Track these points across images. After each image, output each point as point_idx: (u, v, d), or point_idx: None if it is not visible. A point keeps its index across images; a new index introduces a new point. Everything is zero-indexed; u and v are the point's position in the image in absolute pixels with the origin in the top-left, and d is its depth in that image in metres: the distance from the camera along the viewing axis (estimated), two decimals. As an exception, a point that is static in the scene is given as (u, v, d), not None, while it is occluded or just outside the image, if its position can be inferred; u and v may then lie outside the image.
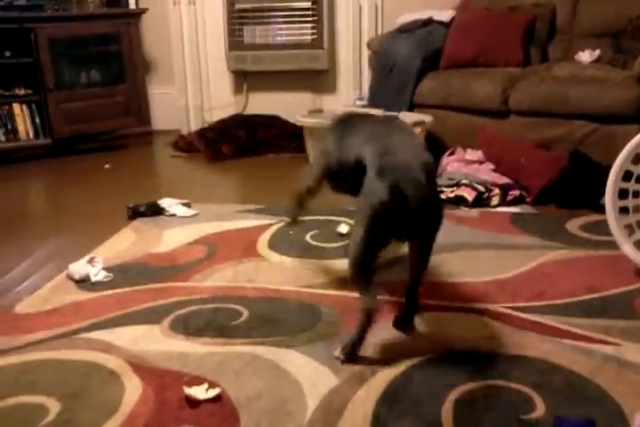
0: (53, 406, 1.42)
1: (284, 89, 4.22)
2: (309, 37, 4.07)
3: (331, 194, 3.05)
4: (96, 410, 1.41)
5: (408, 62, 3.44)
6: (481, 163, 3.01)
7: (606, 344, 1.61)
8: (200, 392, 1.44)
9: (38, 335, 1.73)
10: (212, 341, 1.68)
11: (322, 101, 4.19)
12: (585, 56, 3.27)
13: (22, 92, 3.72)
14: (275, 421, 1.35)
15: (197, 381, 1.48)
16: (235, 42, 4.12)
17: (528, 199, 2.72)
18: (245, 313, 1.82)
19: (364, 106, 3.73)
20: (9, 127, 3.70)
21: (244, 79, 4.26)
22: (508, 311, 1.79)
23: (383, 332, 1.67)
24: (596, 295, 1.87)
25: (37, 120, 3.74)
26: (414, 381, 1.48)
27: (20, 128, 3.72)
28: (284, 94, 4.21)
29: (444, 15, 3.65)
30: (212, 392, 1.44)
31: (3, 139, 3.69)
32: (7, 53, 3.61)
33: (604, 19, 3.35)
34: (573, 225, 2.45)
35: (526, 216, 2.58)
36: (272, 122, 3.94)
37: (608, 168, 2.00)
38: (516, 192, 2.74)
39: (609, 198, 1.98)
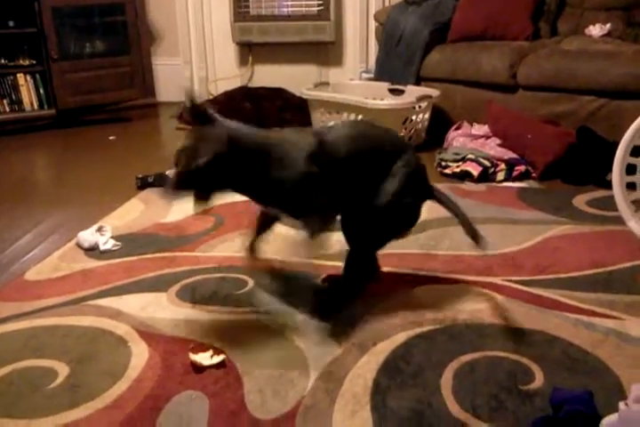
0: (62, 370, 1.45)
1: (290, 61, 4.19)
2: (316, 9, 4.02)
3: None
4: (103, 374, 1.43)
5: (415, 35, 3.40)
6: (487, 138, 3.00)
7: (609, 318, 1.61)
8: (205, 359, 1.46)
9: (47, 302, 1.75)
10: (218, 309, 1.70)
11: (328, 74, 4.16)
12: (595, 30, 3.23)
13: (26, 62, 3.70)
14: (277, 388, 1.38)
15: (203, 347, 1.50)
16: (240, 13, 4.08)
17: (534, 174, 2.72)
18: (250, 283, 1.84)
19: (370, 79, 3.70)
20: (13, 98, 3.69)
21: (250, 51, 4.23)
22: (512, 285, 1.80)
23: (384, 303, 1.68)
24: (600, 270, 1.88)
25: (42, 91, 3.73)
26: (415, 351, 1.50)
27: (25, 99, 3.71)
28: (289, 67, 4.18)
29: (454, -13, 3.59)
30: (217, 359, 1.46)
31: (7, 109, 3.69)
32: (11, 23, 3.58)
33: (615, -8, 3.29)
34: (580, 200, 2.45)
35: (533, 191, 2.57)
36: (277, 94, 3.92)
37: (616, 144, 1.99)
38: (522, 167, 2.73)
39: (616, 174, 1.98)
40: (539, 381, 1.38)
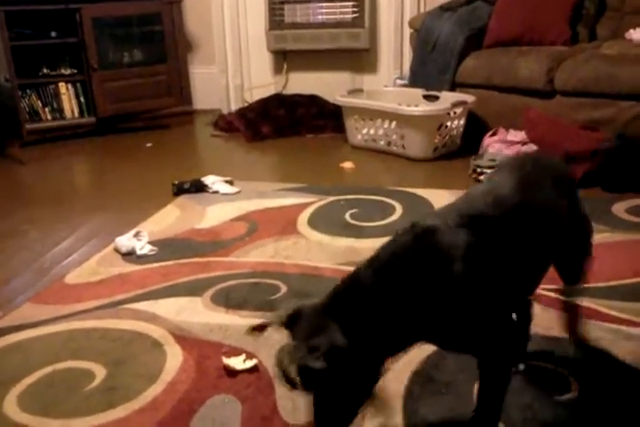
0: (99, 372, 1.48)
1: (324, 68, 4.20)
2: (350, 16, 4.03)
3: (370, 173, 3.07)
4: (139, 377, 1.46)
5: (450, 41, 3.38)
6: (524, 144, 2.95)
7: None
8: (238, 363, 1.48)
9: (85, 305, 1.80)
10: (251, 314, 1.71)
11: (362, 81, 4.16)
12: (636, 34, 3.15)
13: (68, 71, 3.80)
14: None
15: (236, 352, 1.52)
16: (275, 21, 4.11)
17: (572, 181, 2.66)
18: (284, 289, 1.85)
19: (404, 85, 3.69)
20: (55, 106, 3.78)
21: (284, 58, 4.26)
22: (549, 293, 1.77)
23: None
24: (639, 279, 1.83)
25: (82, 99, 3.82)
26: (448, 360, 1.48)
27: (66, 107, 3.80)
28: (323, 74, 4.19)
29: (490, -8, 3.57)
30: (250, 363, 1.47)
31: (49, 117, 3.78)
32: (53, 34, 3.67)
33: (657, -5, 3.22)
34: (619, 208, 2.39)
35: (570, 198, 2.52)
36: (311, 101, 3.94)
37: (657, 150, 1.95)
38: (560, 174, 2.68)
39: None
40: (574, 391, 1.35)
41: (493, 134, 3.11)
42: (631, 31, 3.18)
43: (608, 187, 2.60)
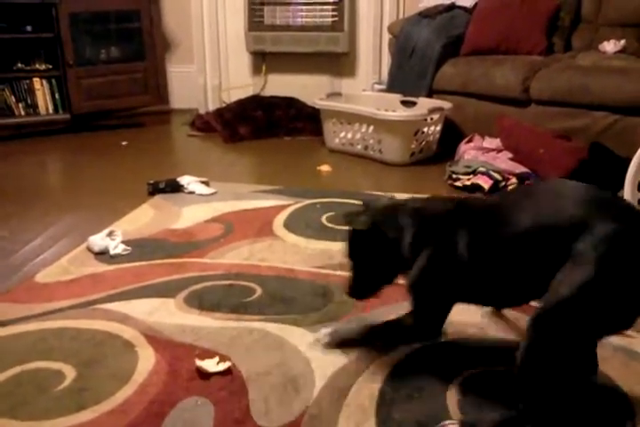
0: (69, 373, 1.46)
1: (303, 71, 4.21)
2: (330, 20, 4.04)
3: (346, 176, 3.08)
4: (110, 378, 1.44)
5: (428, 47, 3.41)
6: (499, 151, 2.99)
7: (618, 335, 1.60)
8: (211, 365, 1.47)
9: (57, 304, 1.76)
10: (225, 316, 1.71)
11: (340, 85, 4.18)
12: (609, 46, 3.23)
13: (42, 67, 3.74)
14: (282, 396, 1.37)
15: (209, 354, 1.51)
16: (255, 22, 4.11)
17: (544, 189, 2.71)
18: (259, 291, 1.84)
19: (382, 90, 3.72)
20: (29, 102, 3.72)
21: (263, 60, 4.25)
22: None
23: (392, 315, 1.68)
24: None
25: (57, 95, 3.76)
26: (421, 363, 1.49)
27: (40, 103, 3.74)
28: (302, 77, 4.20)
29: (468, 0, 3.61)
30: (223, 366, 1.46)
31: (23, 113, 3.72)
32: (28, 28, 3.62)
33: (630, 8, 3.30)
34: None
35: (542, 205, 2.56)
36: (290, 104, 3.94)
37: (628, 160, 1.99)
38: (533, 182, 2.73)
39: (628, 190, 1.98)
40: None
41: (469, 141, 3.15)
42: (605, 43, 3.25)
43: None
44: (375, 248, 1.40)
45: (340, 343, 1.56)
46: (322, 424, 1.30)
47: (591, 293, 1.12)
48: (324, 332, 1.58)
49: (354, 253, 1.46)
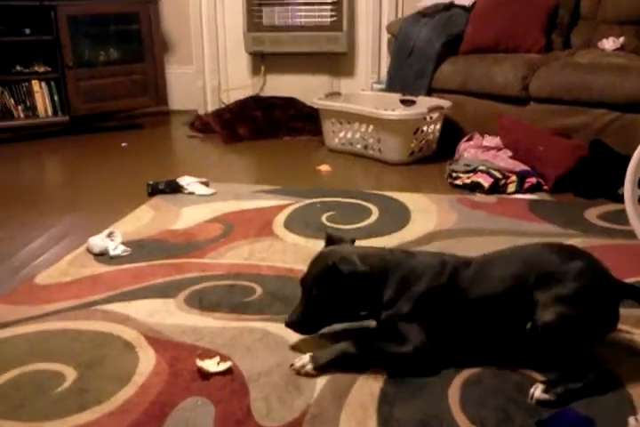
0: (70, 374, 1.45)
1: (302, 71, 4.20)
2: (329, 19, 4.04)
3: (346, 176, 3.07)
4: (111, 379, 1.43)
5: (427, 46, 3.41)
6: (498, 149, 2.99)
7: (619, 332, 1.59)
8: (212, 365, 1.46)
9: (57, 306, 1.76)
10: (226, 316, 1.70)
11: (340, 85, 4.17)
12: (608, 43, 3.22)
13: (41, 69, 3.74)
14: (283, 396, 1.37)
15: (210, 354, 1.50)
16: (253, 23, 4.10)
17: (545, 187, 2.70)
18: (259, 290, 1.84)
19: (381, 90, 3.71)
20: (28, 104, 3.72)
21: (262, 61, 4.25)
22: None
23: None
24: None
25: (56, 97, 3.76)
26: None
27: (39, 105, 3.74)
28: (301, 77, 4.20)
29: (467, -1, 3.61)
30: (224, 366, 1.46)
31: (22, 115, 3.72)
32: (27, 31, 3.62)
33: (629, 6, 3.29)
34: (592, 214, 2.43)
35: (544, 204, 2.56)
36: (289, 104, 3.94)
37: (628, 157, 1.98)
38: (533, 180, 2.72)
39: (628, 188, 1.97)
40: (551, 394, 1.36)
41: (469, 140, 3.14)
42: (604, 40, 3.25)
43: (580, 192, 2.64)
44: (354, 291, 1.47)
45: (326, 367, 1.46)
46: (323, 423, 1.29)
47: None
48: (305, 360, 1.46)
49: (322, 288, 1.48)
